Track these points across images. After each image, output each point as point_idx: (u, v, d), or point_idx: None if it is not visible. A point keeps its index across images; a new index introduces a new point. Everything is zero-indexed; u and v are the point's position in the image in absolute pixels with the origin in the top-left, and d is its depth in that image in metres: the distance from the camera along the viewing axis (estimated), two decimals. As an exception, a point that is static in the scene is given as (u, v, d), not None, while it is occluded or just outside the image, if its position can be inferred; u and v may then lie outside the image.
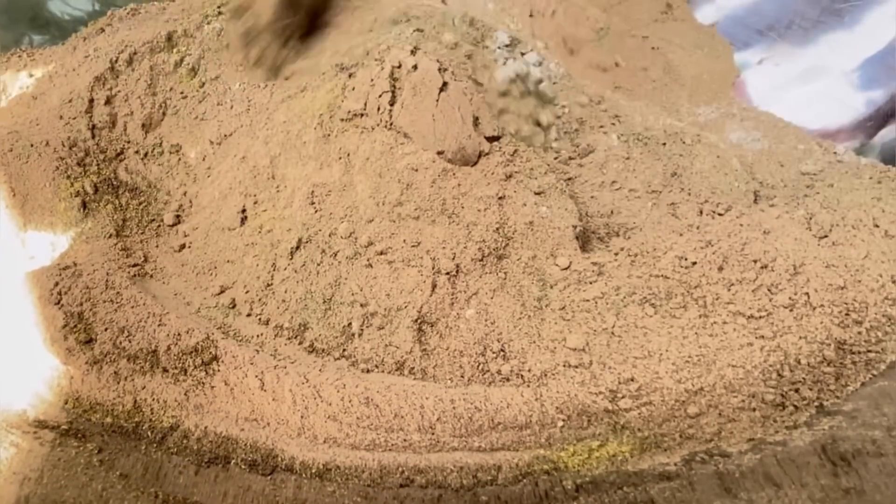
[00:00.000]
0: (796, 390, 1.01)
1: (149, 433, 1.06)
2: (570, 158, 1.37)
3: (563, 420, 1.03)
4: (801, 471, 0.94)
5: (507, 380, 1.09)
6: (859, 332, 1.03)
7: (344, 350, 1.14)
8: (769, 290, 1.07)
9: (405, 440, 1.03)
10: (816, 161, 1.36)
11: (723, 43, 1.79)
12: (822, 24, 1.70)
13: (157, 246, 1.34)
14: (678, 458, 1.00)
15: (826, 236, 1.11)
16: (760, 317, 1.05)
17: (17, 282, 1.17)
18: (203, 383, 1.10)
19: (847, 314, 1.04)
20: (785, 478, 0.94)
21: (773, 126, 1.52)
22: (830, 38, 1.67)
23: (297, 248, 1.19)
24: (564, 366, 1.08)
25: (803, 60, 1.65)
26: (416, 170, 1.14)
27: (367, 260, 1.14)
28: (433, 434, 1.03)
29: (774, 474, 0.95)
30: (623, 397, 1.02)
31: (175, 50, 1.45)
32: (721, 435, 1.01)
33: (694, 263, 1.11)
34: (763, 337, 1.04)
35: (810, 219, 1.14)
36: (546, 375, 1.08)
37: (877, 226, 1.11)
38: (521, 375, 1.09)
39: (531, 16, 1.56)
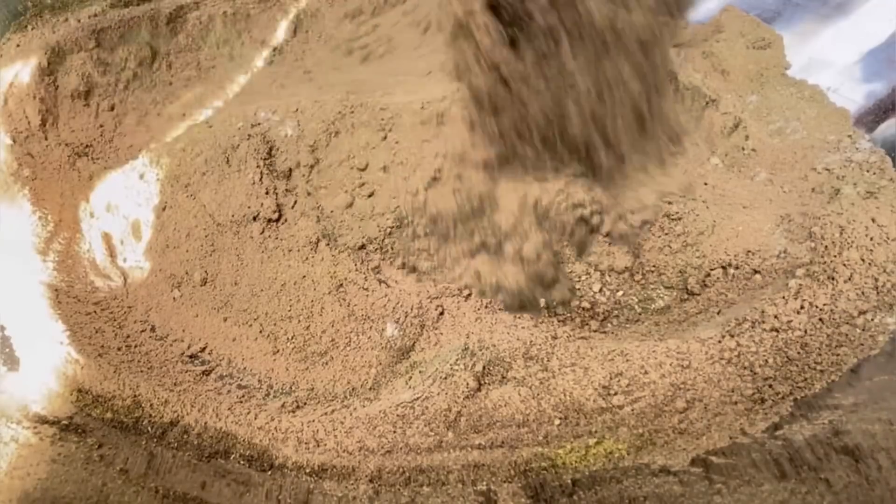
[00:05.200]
0: (770, 385, 1.02)
1: (149, 428, 1.06)
2: None
3: (560, 418, 1.03)
4: (800, 464, 0.94)
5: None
6: (827, 335, 1.04)
7: None
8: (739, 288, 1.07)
9: (405, 442, 1.03)
10: (836, 158, 1.34)
11: (769, 31, 1.73)
12: (825, 17, 1.69)
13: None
14: (673, 454, 1.00)
15: (811, 236, 1.11)
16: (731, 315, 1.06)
17: (32, 282, 1.19)
18: (204, 380, 1.11)
19: (819, 318, 1.05)
20: (784, 471, 0.94)
21: (815, 113, 1.47)
22: (833, 31, 1.66)
23: None
24: (559, 364, 1.08)
25: (805, 53, 1.64)
26: None
27: None
28: (436, 434, 1.04)
29: (774, 468, 0.94)
30: (615, 394, 1.03)
31: None
32: (711, 429, 1.01)
33: None
34: (732, 335, 1.05)
35: (790, 220, 1.14)
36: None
37: (873, 224, 1.11)
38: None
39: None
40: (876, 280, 1.06)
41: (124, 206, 1.28)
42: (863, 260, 1.07)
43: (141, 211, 1.26)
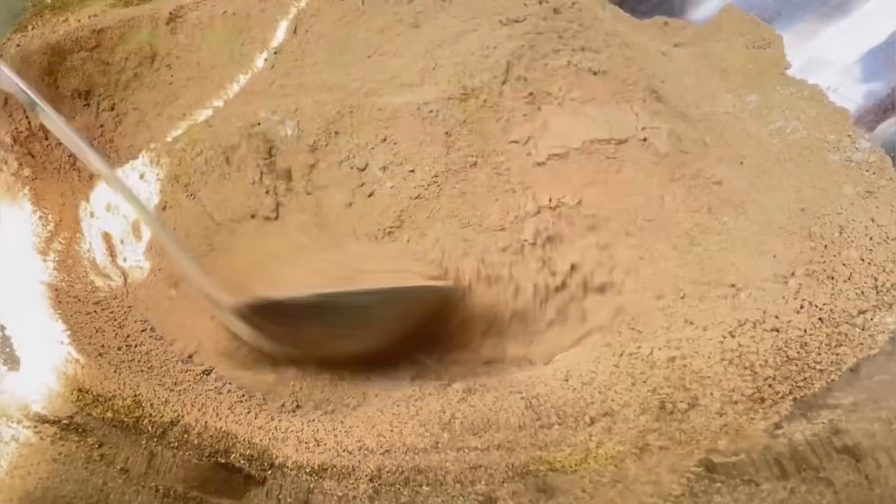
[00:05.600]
0: (770, 385, 1.02)
1: (149, 428, 1.06)
2: None
3: (559, 422, 1.03)
4: (800, 463, 0.94)
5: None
6: (827, 334, 1.04)
7: None
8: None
9: (402, 442, 1.03)
10: (836, 158, 1.34)
11: (769, 31, 1.73)
12: (825, 16, 1.69)
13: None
14: (673, 456, 1.00)
15: (810, 236, 1.12)
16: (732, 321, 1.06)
17: (32, 282, 1.19)
18: (204, 380, 1.11)
19: (819, 318, 1.05)
20: (784, 470, 0.94)
21: (815, 113, 1.46)
22: (832, 31, 1.66)
23: None
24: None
25: (805, 53, 1.64)
26: None
27: None
28: (431, 435, 1.03)
29: (774, 467, 0.95)
30: (616, 395, 1.03)
31: None
32: (711, 429, 1.01)
33: None
34: (733, 335, 1.05)
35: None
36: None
37: (872, 223, 1.11)
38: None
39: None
40: (875, 279, 1.06)
41: (124, 206, 1.28)
42: (862, 259, 1.07)
43: (141, 211, 1.26)
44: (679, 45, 1.74)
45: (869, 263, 1.07)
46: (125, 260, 1.28)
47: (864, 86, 1.51)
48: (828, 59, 1.60)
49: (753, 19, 1.75)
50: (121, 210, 1.29)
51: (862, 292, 1.05)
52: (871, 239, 1.10)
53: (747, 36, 1.68)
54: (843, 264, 1.07)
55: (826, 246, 1.10)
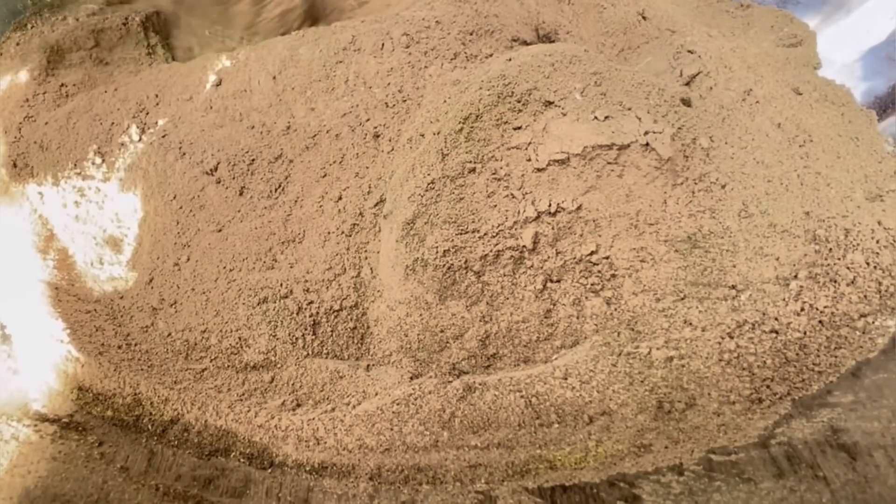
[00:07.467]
0: (768, 386, 1.02)
1: (149, 426, 1.06)
2: None
3: (558, 421, 1.03)
4: (798, 462, 0.94)
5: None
6: (827, 337, 1.04)
7: None
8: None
9: (402, 441, 1.04)
10: (848, 161, 1.32)
11: (802, 27, 1.65)
12: (826, 15, 1.68)
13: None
14: (672, 455, 1.00)
15: (815, 239, 1.11)
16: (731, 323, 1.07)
17: (32, 281, 1.19)
18: (204, 379, 1.11)
19: (819, 320, 1.05)
20: (782, 470, 0.94)
21: (839, 117, 1.40)
22: (833, 29, 1.65)
23: None
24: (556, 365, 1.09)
25: (806, 52, 1.63)
26: None
27: None
28: (431, 434, 1.04)
29: (772, 466, 0.95)
30: (615, 395, 1.03)
31: None
32: (710, 429, 1.01)
33: None
34: (731, 336, 1.05)
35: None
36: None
37: (879, 226, 1.11)
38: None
39: None
40: (880, 283, 1.05)
41: (99, 218, 1.30)
42: (868, 263, 1.06)
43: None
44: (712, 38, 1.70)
45: (874, 267, 1.06)
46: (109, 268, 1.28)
47: (864, 84, 1.50)
48: (828, 58, 1.59)
49: (787, 14, 1.66)
50: (97, 221, 1.29)
51: (865, 296, 1.04)
52: (877, 242, 1.08)
53: (778, 32, 1.63)
54: (847, 268, 1.07)
55: (831, 249, 1.10)
